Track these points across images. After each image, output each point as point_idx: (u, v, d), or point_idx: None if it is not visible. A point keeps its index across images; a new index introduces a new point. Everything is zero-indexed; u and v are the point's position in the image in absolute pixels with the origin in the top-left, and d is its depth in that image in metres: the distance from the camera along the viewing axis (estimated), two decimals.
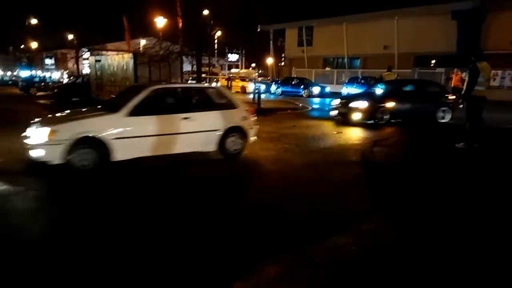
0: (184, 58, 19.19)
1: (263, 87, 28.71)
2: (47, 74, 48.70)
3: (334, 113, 13.25)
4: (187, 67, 32.16)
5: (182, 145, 7.04)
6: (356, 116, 12.29)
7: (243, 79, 33.85)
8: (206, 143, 7.27)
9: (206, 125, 7.22)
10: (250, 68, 56.29)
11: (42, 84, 31.28)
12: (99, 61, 20.53)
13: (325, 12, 33.67)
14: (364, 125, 12.04)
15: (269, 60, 45.11)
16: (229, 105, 7.76)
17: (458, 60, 25.92)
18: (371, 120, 12.26)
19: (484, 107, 7.53)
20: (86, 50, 42.22)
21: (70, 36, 43.85)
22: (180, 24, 18.10)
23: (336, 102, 13.52)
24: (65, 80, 34.10)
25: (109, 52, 27.79)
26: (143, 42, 38.42)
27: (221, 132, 7.35)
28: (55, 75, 50.96)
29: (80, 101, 18.83)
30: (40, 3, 46.28)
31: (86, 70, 42.78)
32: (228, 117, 7.50)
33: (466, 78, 7.61)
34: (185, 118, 6.92)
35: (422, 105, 12.84)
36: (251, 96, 19.79)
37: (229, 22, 23.20)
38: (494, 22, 25.71)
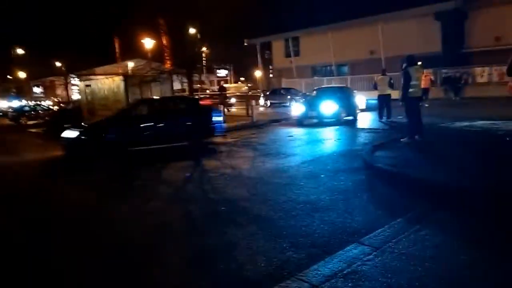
0: (174, 76, 19.27)
1: None
2: (37, 103, 48.65)
3: None
4: (176, 85, 32.26)
5: None
6: None
7: None
8: None
9: None
10: (239, 82, 56.51)
11: (33, 113, 31.13)
12: (89, 86, 20.47)
13: (309, 22, 34.08)
14: None
15: (258, 73, 45.32)
16: None
17: (444, 59, 26.42)
18: None
19: (418, 105, 8.53)
20: (75, 76, 42.24)
21: (58, 64, 43.90)
22: (169, 44, 18.28)
23: None
24: (53, 108, 33.98)
25: (98, 76, 27.84)
26: (131, 64, 38.56)
27: None
28: (46, 103, 50.91)
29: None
30: (25, 33, 46.41)
31: (76, 96, 42.72)
32: None
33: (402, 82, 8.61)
34: None
35: None
36: None
37: (215, 38, 23.36)
38: (477, 20, 26.18)
